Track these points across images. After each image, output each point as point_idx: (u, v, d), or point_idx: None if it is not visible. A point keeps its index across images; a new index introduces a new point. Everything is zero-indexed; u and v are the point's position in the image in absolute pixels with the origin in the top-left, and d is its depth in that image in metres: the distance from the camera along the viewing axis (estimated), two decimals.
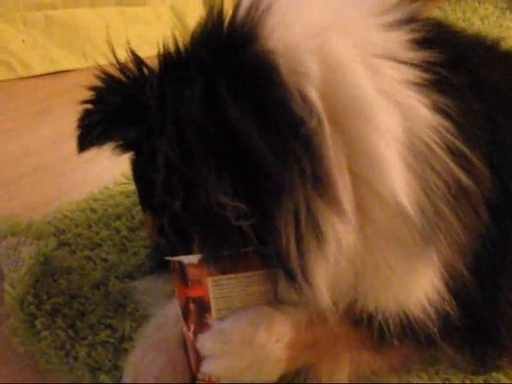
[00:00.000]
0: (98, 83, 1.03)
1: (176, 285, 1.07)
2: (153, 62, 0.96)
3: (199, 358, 1.03)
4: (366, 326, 1.04)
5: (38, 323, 1.23)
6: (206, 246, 1.01)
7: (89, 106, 1.02)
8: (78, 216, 1.52)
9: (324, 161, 0.90)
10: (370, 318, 1.03)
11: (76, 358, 1.19)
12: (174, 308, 1.12)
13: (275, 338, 1.01)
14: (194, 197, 0.94)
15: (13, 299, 1.23)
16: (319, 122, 0.90)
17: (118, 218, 1.53)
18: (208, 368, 1.02)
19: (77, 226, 1.50)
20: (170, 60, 0.99)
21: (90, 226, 1.50)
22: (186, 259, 1.04)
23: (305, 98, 0.90)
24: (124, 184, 1.68)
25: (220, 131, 0.90)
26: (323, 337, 1.04)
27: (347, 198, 0.92)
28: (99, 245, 1.45)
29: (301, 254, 0.93)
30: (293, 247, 0.93)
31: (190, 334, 1.05)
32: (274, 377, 1.03)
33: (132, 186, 1.65)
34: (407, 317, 1.00)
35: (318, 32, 0.94)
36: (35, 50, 2.15)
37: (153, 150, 0.95)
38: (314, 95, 0.90)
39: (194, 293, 1.05)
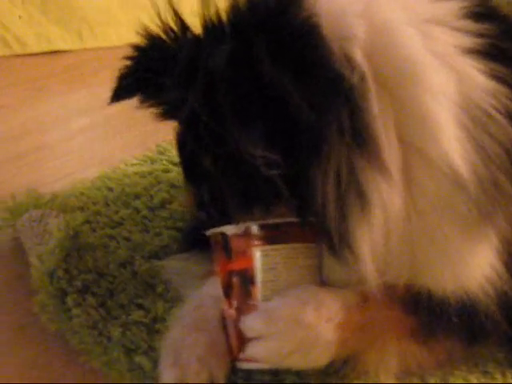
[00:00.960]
0: (141, 42, 1.01)
1: (218, 259, 1.01)
2: None
3: (241, 337, 0.97)
4: (417, 313, 0.98)
5: (68, 300, 1.14)
6: (238, 202, 0.97)
7: (128, 62, 1.01)
8: (95, 194, 1.44)
9: (366, 117, 0.86)
10: (422, 302, 0.96)
11: (110, 339, 1.11)
12: (210, 289, 1.06)
13: (326, 318, 0.94)
14: (223, 149, 0.91)
15: (42, 273, 1.14)
16: (362, 79, 0.86)
17: (137, 197, 1.46)
18: (254, 350, 0.94)
19: (94, 203, 1.41)
20: (210, 24, 0.96)
21: (107, 205, 1.43)
22: (230, 230, 0.98)
23: (348, 59, 0.86)
24: (136, 165, 1.60)
25: (252, 85, 0.87)
26: (374, 321, 0.98)
27: (393, 158, 0.87)
28: (120, 223, 1.38)
29: (341, 215, 0.87)
30: (331, 206, 0.87)
31: (232, 311, 0.99)
32: (324, 361, 0.95)
33: (145, 167, 1.59)
34: (465, 297, 0.95)
35: None
36: (31, 27, 2.07)
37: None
38: (358, 55, 0.86)
39: (237, 265, 0.98)
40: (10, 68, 2.02)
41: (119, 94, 1.05)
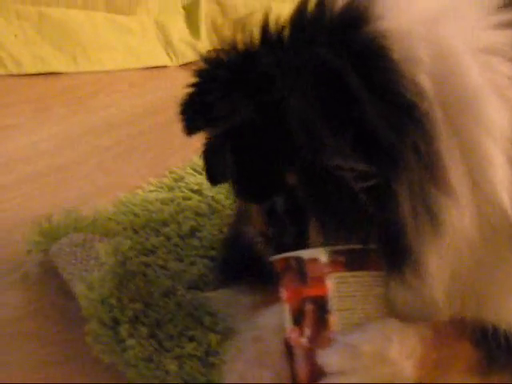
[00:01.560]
0: (202, 67, 0.95)
1: (288, 285, 0.94)
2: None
3: (312, 368, 0.91)
4: (483, 346, 0.94)
5: (122, 330, 1.06)
6: (323, 218, 0.92)
7: (192, 89, 0.94)
8: (122, 219, 1.36)
9: (436, 144, 0.85)
10: (489, 335, 0.93)
11: (167, 372, 1.04)
12: (267, 320, 1.00)
13: (407, 354, 0.89)
14: (311, 162, 0.87)
15: (93, 301, 1.06)
16: (430, 106, 0.84)
17: (165, 224, 1.39)
18: None
19: (124, 229, 1.33)
20: (268, 37, 0.92)
21: (135, 231, 1.34)
22: (307, 254, 0.92)
23: (416, 84, 0.85)
24: (154, 191, 1.53)
25: (340, 96, 0.85)
26: (446, 356, 0.94)
27: (460, 184, 0.86)
28: (152, 251, 1.30)
29: (417, 236, 0.85)
30: (410, 223, 0.85)
31: (304, 340, 0.92)
32: None
33: (164, 194, 1.52)
34: None
35: (429, 19, 0.89)
36: (27, 47, 1.99)
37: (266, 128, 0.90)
38: (425, 82, 0.85)
39: (313, 292, 0.92)
40: (6, 88, 1.93)
41: (193, 127, 0.96)
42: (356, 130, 0.85)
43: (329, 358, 0.88)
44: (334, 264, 0.91)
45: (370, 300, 0.92)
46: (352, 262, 0.91)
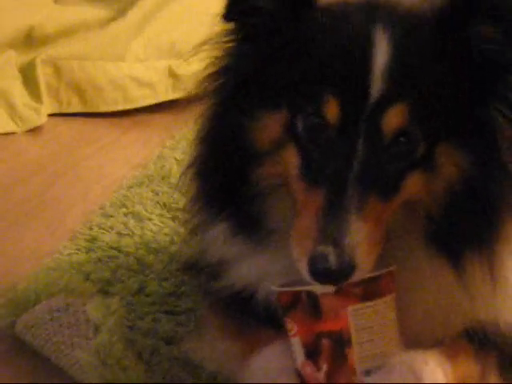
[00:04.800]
0: None
1: (298, 320, 0.89)
2: None
3: None
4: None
5: None
6: None
7: None
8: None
9: None
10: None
11: None
12: (275, 361, 0.93)
13: None
14: None
15: (108, 366, 0.91)
16: None
17: (110, 284, 1.25)
18: None
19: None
20: None
21: None
22: (319, 289, 0.86)
23: None
24: (73, 254, 1.39)
25: None
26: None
27: None
28: None
29: None
30: None
31: (321, 375, 0.87)
32: None
33: (85, 255, 1.39)
34: None
35: None
36: None
37: None
38: None
39: (329, 326, 0.87)
40: None
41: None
42: None
43: None
44: (349, 297, 0.86)
45: (387, 326, 0.88)
46: (367, 291, 0.87)
